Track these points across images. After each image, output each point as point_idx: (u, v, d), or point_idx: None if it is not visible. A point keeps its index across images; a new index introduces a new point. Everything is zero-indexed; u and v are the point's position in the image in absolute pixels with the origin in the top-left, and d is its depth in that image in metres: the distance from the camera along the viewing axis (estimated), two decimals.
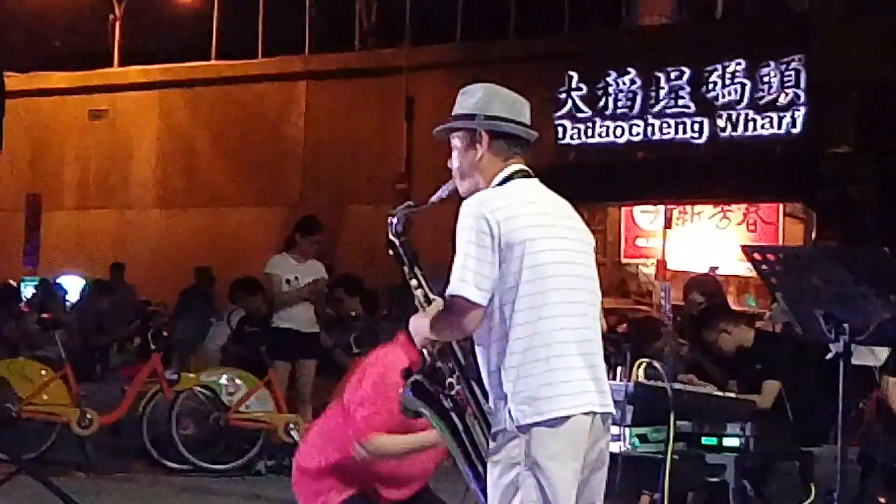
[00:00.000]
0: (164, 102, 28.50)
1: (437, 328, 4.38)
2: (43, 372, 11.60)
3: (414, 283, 4.53)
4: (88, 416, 11.31)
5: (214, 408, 11.46)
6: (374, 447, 5.55)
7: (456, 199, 4.59)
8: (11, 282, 21.38)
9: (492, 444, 4.32)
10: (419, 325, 4.47)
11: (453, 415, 4.47)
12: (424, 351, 4.51)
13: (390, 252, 4.59)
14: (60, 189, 29.35)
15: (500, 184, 4.48)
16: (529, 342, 4.30)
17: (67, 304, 19.87)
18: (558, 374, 4.31)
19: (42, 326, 13.67)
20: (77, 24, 29.62)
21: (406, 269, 4.55)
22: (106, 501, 10.06)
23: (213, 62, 28.06)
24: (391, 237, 4.58)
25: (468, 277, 4.25)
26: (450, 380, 4.46)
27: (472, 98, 4.58)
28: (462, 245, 4.30)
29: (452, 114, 4.61)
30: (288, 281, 11.63)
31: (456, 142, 4.58)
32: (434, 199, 4.65)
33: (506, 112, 4.56)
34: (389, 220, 4.58)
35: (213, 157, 27.59)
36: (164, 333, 12.60)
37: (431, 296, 4.48)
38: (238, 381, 11.57)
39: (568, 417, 4.28)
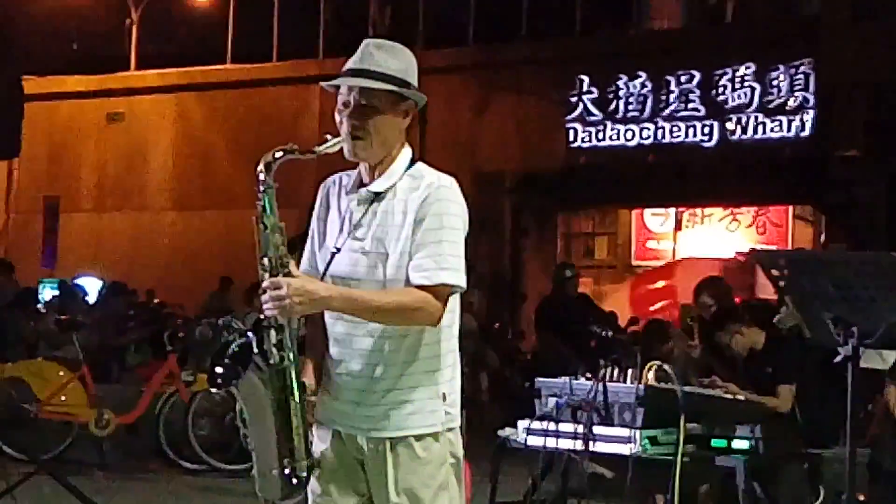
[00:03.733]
0: (180, 105, 28.67)
1: (404, 311, 3.93)
2: (61, 373, 11.70)
3: (278, 238, 4.03)
4: (105, 416, 11.45)
5: (230, 408, 11.54)
6: None
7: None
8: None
9: (419, 448, 3.98)
10: (313, 291, 3.92)
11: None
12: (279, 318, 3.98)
13: (259, 192, 4.11)
14: (78, 192, 29.49)
15: (410, 164, 4.21)
16: (456, 343, 4.09)
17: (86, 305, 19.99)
18: None
19: (60, 328, 13.72)
20: (94, 28, 29.75)
21: (265, 218, 4.06)
22: (122, 501, 10.18)
23: (228, 66, 28.23)
24: (263, 178, 4.12)
25: (462, 267, 3.96)
26: (273, 346, 4.06)
27: (402, 62, 4.09)
28: (454, 232, 3.97)
29: (376, 69, 4.04)
30: None
31: (375, 102, 4.06)
32: (319, 149, 4.28)
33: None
34: (265, 162, 4.14)
35: (229, 159, 27.72)
36: (180, 335, 12.61)
37: (288, 259, 4.00)
38: None
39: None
